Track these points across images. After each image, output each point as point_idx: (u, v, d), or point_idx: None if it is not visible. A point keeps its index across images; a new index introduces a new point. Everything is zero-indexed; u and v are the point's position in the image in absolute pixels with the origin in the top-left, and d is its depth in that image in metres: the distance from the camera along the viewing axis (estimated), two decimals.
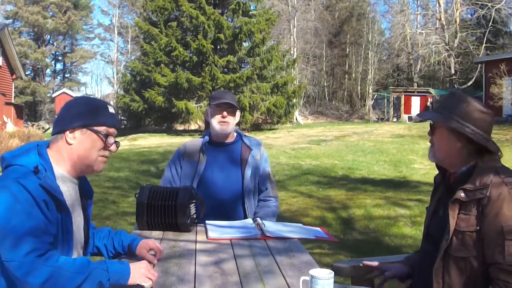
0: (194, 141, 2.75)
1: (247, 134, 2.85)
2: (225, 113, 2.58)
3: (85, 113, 1.63)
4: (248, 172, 2.61)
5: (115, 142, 1.69)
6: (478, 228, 1.54)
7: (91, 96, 1.79)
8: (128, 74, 23.43)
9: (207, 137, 2.68)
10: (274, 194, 2.75)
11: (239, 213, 2.59)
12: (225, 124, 2.59)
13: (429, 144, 1.77)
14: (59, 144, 1.63)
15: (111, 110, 1.69)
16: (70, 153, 1.62)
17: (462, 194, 1.57)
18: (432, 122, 1.72)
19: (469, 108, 1.62)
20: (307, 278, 1.44)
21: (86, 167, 1.66)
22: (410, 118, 27.24)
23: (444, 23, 29.35)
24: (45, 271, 1.41)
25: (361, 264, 1.97)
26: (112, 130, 1.68)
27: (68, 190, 1.64)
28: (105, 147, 1.66)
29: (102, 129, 1.64)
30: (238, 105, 2.68)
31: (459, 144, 1.63)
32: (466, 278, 1.56)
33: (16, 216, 1.42)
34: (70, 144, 1.61)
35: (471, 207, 1.56)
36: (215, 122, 2.60)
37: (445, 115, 1.64)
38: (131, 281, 1.53)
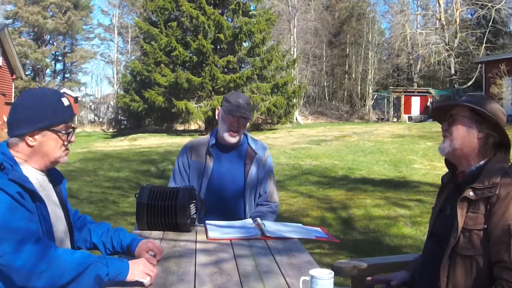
0: (200, 141, 2.72)
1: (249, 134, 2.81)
2: (235, 125, 2.53)
3: (41, 115, 1.60)
4: (250, 177, 2.60)
5: (73, 130, 1.70)
6: (485, 226, 1.54)
7: (41, 89, 1.72)
8: (128, 74, 23.46)
9: (213, 138, 2.64)
10: (274, 199, 2.71)
11: (241, 216, 2.59)
12: (234, 134, 2.55)
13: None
14: (20, 146, 1.62)
15: (66, 102, 1.66)
16: (34, 154, 1.63)
17: (471, 193, 1.58)
18: (451, 113, 1.72)
19: (491, 105, 1.66)
20: (307, 278, 1.44)
21: (52, 163, 1.69)
22: (410, 118, 27.25)
23: (444, 23, 29.34)
24: (42, 260, 1.42)
25: (366, 283, 1.96)
26: (70, 124, 1.68)
27: (38, 182, 1.64)
28: (67, 143, 1.68)
29: (62, 127, 1.65)
30: (251, 113, 2.64)
31: (480, 134, 1.65)
32: (472, 277, 1.56)
33: None
34: (32, 147, 1.62)
35: (480, 205, 1.57)
36: (224, 129, 2.55)
37: (468, 103, 1.67)
38: (130, 277, 1.54)
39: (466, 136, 1.66)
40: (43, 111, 1.61)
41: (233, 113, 2.52)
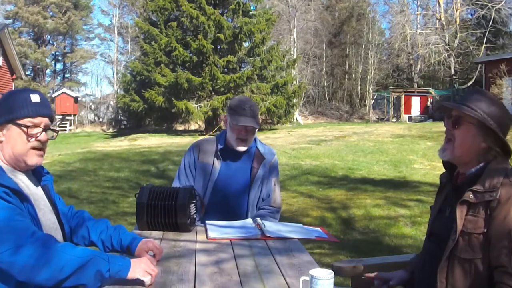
0: (208, 141, 2.70)
1: None
2: (244, 133, 2.51)
3: (6, 108, 1.61)
4: (256, 181, 2.61)
5: (48, 129, 1.67)
6: (485, 230, 1.53)
7: (18, 88, 1.74)
8: (128, 74, 23.45)
9: (222, 142, 2.61)
10: (277, 204, 2.71)
11: (243, 218, 2.59)
12: (243, 142, 2.54)
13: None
14: None
15: (35, 99, 1.64)
16: (3, 150, 1.62)
17: (471, 196, 1.56)
18: (456, 115, 1.65)
19: (493, 107, 1.61)
20: (307, 278, 1.44)
21: (19, 162, 1.64)
22: (410, 118, 27.24)
23: (444, 23, 29.34)
24: (43, 254, 1.42)
25: (362, 277, 1.95)
26: (37, 120, 1.64)
27: (22, 182, 1.64)
28: (30, 138, 1.63)
29: (26, 121, 1.62)
30: (258, 117, 2.57)
31: (484, 144, 1.61)
32: (471, 280, 1.55)
33: None
34: (0, 142, 1.62)
35: (480, 209, 1.55)
36: (233, 138, 2.54)
37: (478, 112, 1.60)
38: (131, 275, 1.53)
39: (469, 145, 1.62)
40: (7, 105, 1.62)
41: (240, 123, 2.49)
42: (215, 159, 2.59)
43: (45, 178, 1.79)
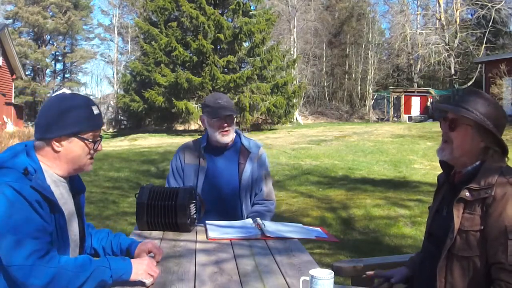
0: (193, 143, 2.72)
1: (247, 134, 2.81)
2: (225, 125, 2.53)
3: (71, 121, 1.59)
4: (245, 176, 2.60)
5: (100, 139, 1.70)
6: (482, 227, 1.54)
7: (73, 95, 1.73)
8: (128, 74, 23.46)
9: (205, 140, 2.63)
10: (270, 197, 2.71)
11: (238, 215, 2.60)
12: (226, 133, 2.55)
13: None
14: (45, 150, 1.61)
15: (96, 110, 1.65)
16: (58, 159, 1.62)
17: (467, 194, 1.57)
18: (453, 117, 1.66)
19: (490, 108, 1.63)
20: (307, 278, 1.44)
21: (75, 170, 1.67)
22: (410, 118, 27.25)
23: (444, 23, 29.34)
24: (47, 273, 1.42)
25: (363, 276, 1.96)
26: (97, 133, 1.67)
27: (59, 190, 1.64)
28: (93, 151, 1.67)
29: (89, 135, 1.63)
30: (234, 108, 2.59)
31: (482, 144, 1.63)
32: (469, 278, 1.56)
33: (12, 219, 1.42)
34: (57, 152, 1.60)
35: (476, 207, 1.56)
36: (216, 133, 2.55)
37: (475, 113, 1.61)
38: (133, 277, 1.55)
39: (468, 146, 1.64)
40: (73, 117, 1.59)
41: (217, 115, 2.52)
42: (201, 159, 2.61)
43: (80, 189, 1.79)
